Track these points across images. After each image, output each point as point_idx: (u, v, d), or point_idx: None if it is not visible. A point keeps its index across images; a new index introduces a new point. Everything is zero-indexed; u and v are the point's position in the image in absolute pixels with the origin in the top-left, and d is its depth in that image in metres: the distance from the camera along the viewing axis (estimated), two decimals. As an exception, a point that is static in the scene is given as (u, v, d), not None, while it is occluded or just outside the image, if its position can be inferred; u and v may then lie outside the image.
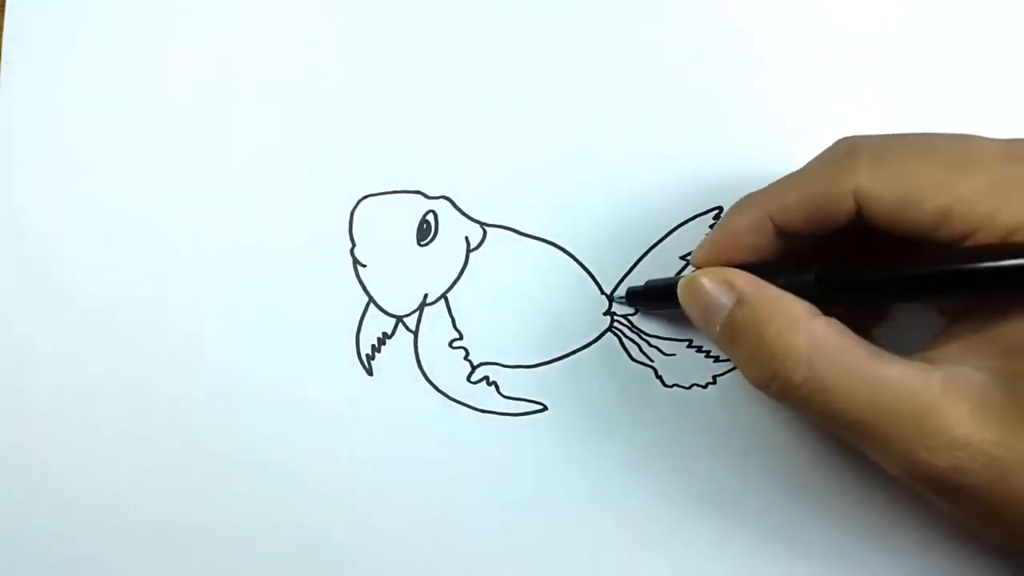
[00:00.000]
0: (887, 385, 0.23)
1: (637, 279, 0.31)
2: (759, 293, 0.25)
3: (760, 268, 0.25)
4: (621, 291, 0.31)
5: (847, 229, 0.24)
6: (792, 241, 0.26)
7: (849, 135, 0.25)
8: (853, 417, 0.23)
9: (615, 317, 0.31)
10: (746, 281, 0.25)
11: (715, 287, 0.25)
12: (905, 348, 0.24)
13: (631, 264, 0.31)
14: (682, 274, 0.30)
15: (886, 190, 0.23)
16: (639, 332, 0.31)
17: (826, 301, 0.24)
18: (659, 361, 0.31)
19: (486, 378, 0.31)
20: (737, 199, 0.27)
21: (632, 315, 0.31)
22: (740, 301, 0.25)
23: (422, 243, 0.32)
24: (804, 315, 0.24)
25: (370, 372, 0.32)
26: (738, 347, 0.25)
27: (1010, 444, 0.22)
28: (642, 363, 0.31)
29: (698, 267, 0.27)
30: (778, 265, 0.26)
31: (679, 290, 0.27)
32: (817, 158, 0.25)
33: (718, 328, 0.25)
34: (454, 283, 0.32)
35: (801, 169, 0.26)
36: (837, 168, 0.24)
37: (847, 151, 0.24)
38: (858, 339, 0.23)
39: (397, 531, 0.31)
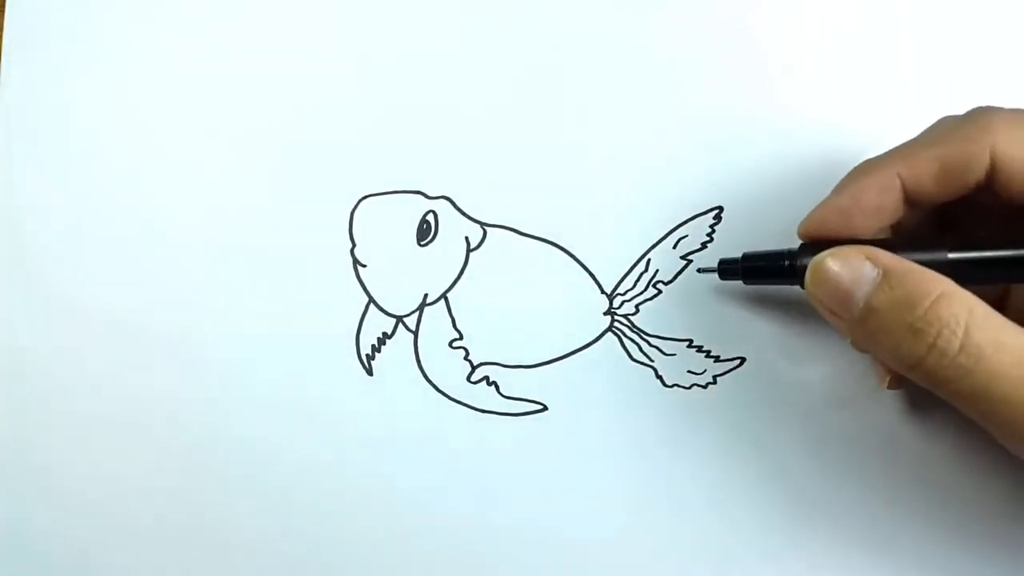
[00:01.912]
0: None
1: (636, 279, 0.31)
2: (905, 267, 0.23)
3: (883, 245, 0.24)
4: (712, 263, 0.29)
5: (971, 204, 0.24)
6: (915, 213, 0.25)
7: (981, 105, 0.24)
8: (1009, 384, 0.21)
9: (615, 317, 0.31)
10: (888, 256, 0.24)
11: (855, 264, 0.24)
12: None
13: (631, 264, 0.31)
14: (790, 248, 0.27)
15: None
16: (639, 332, 0.31)
17: (959, 280, 0.23)
18: (659, 361, 0.31)
19: (486, 378, 0.31)
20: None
21: (632, 315, 0.31)
22: (886, 275, 0.23)
23: (422, 243, 0.32)
24: (955, 286, 0.23)
25: (370, 372, 0.32)
26: (886, 326, 0.23)
27: None
28: (642, 363, 0.31)
29: (809, 237, 0.26)
30: (901, 243, 0.25)
31: (809, 273, 0.25)
32: (950, 118, 0.24)
33: (861, 306, 0.23)
34: (454, 283, 0.32)
35: (932, 128, 0.25)
36: (974, 126, 0.23)
37: (983, 113, 0.24)
38: (1000, 315, 0.22)
39: (397, 531, 0.31)
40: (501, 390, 0.31)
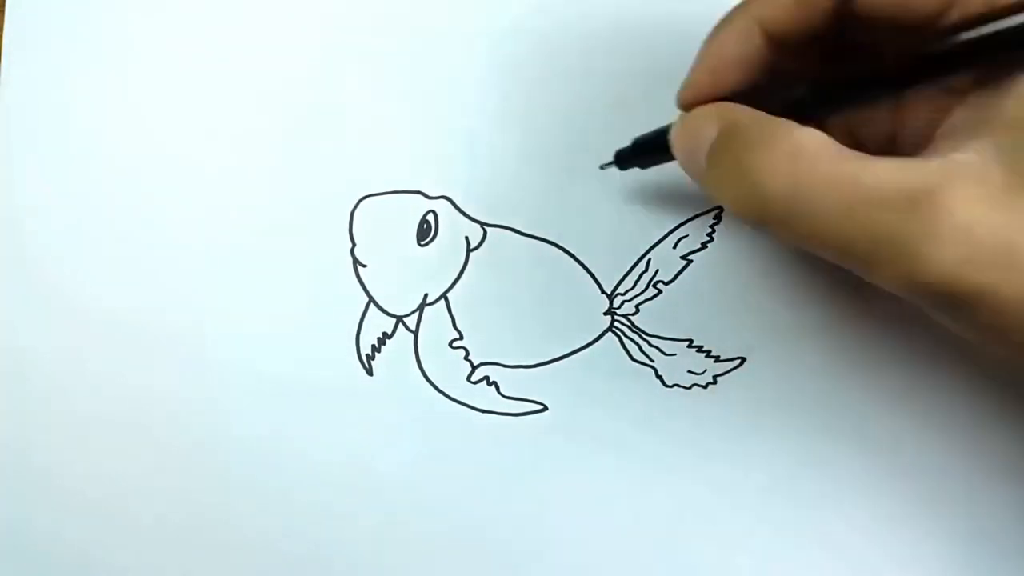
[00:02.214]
0: (880, 179, 0.20)
1: (636, 279, 0.31)
2: (741, 116, 0.23)
3: (752, 97, 0.24)
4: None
5: (837, 43, 0.23)
6: (782, 55, 0.25)
7: None
8: (842, 218, 0.21)
9: (615, 317, 0.31)
10: (729, 108, 0.24)
11: (700, 118, 0.24)
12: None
13: (631, 264, 0.31)
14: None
15: None
16: (639, 332, 0.31)
17: (826, 114, 0.24)
18: (659, 361, 0.31)
19: (486, 378, 0.31)
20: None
21: (632, 315, 0.31)
22: (725, 127, 0.23)
23: (422, 243, 0.32)
24: (785, 127, 0.22)
25: (370, 372, 0.32)
26: (721, 176, 0.23)
27: (1021, 224, 0.20)
28: (642, 363, 0.31)
29: (685, 102, 0.26)
30: (770, 91, 0.25)
31: (671, 138, 0.26)
32: None
33: (704, 163, 0.24)
34: (454, 283, 0.32)
35: None
36: None
37: None
38: (843, 147, 0.22)
39: (397, 531, 0.31)
40: (501, 390, 0.31)
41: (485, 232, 0.32)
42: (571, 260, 0.32)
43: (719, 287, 0.31)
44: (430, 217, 0.32)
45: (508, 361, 0.31)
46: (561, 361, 0.31)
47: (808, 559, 0.30)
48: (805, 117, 0.23)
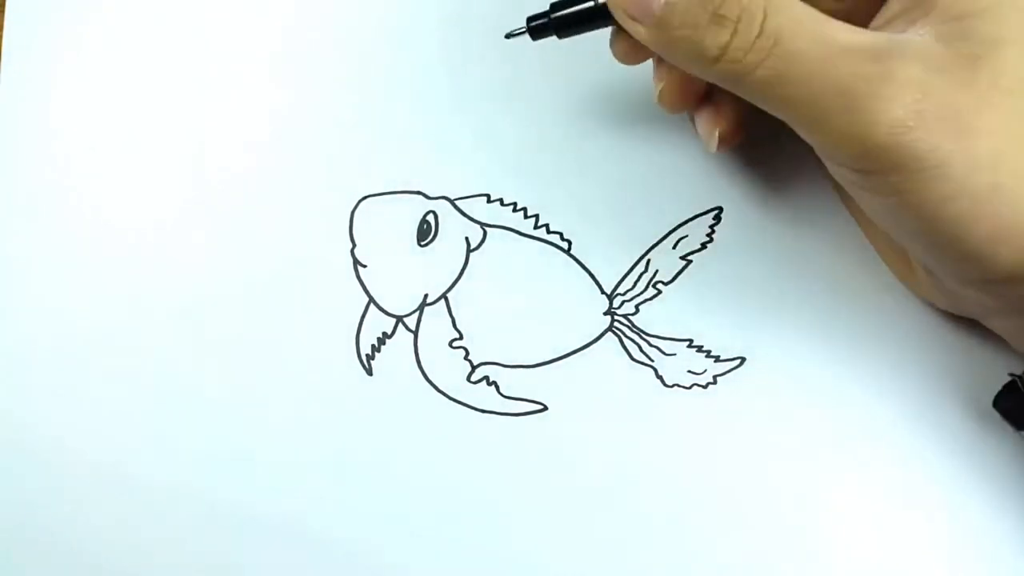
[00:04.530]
0: (851, 38, 0.22)
1: (636, 279, 0.31)
2: None
3: None
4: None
5: None
6: None
7: None
8: (818, 71, 0.22)
9: (615, 317, 0.31)
10: None
11: None
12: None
13: (631, 264, 0.31)
14: None
15: None
16: (639, 332, 0.31)
17: None
18: (659, 361, 0.31)
19: (486, 378, 0.31)
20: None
21: (632, 315, 0.31)
22: None
23: (422, 243, 0.32)
24: None
25: (370, 372, 0.32)
26: (687, 20, 0.23)
27: (961, 93, 0.21)
28: (642, 363, 0.31)
29: None
30: None
31: None
32: None
33: (656, 11, 0.23)
34: (454, 283, 0.32)
35: None
36: None
37: None
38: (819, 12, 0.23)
39: (396, 531, 0.31)
40: (501, 390, 0.31)
41: (485, 232, 0.32)
42: (571, 260, 0.32)
43: (719, 287, 0.31)
44: (430, 217, 0.32)
45: (508, 361, 0.31)
46: (561, 361, 0.31)
47: (808, 559, 0.30)
48: None
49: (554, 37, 0.27)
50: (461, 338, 0.32)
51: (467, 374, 0.31)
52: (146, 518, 0.31)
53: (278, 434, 0.31)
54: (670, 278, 0.31)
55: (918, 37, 0.23)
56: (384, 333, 0.32)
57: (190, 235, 0.33)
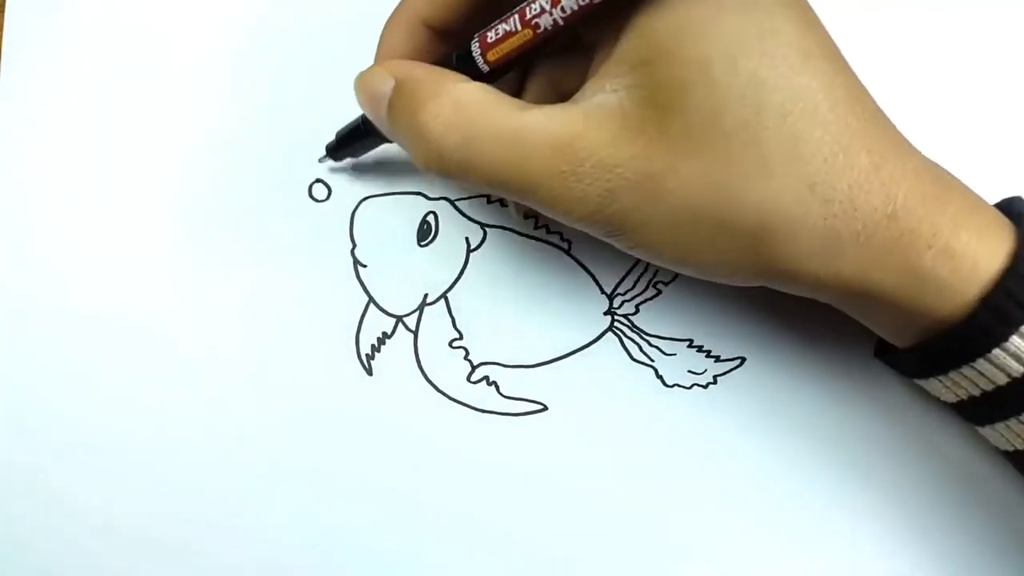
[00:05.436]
0: (532, 127, 0.23)
1: (636, 279, 0.31)
2: (411, 74, 0.25)
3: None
4: (323, 154, 0.31)
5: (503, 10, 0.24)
6: (454, 37, 0.26)
7: None
8: (506, 167, 0.23)
9: (615, 317, 0.31)
10: (403, 64, 0.25)
11: (374, 79, 0.25)
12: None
13: (631, 264, 0.31)
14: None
15: None
16: (639, 332, 0.31)
17: (497, 71, 0.25)
18: (659, 361, 0.31)
19: (486, 378, 0.31)
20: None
21: (632, 315, 0.31)
22: (396, 85, 0.25)
23: (422, 243, 0.32)
24: (451, 81, 0.24)
25: (370, 372, 0.32)
26: (401, 133, 0.25)
27: (653, 154, 0.22)
28: (642, 363, 0.31)
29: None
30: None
31: (356, 90, 0.26)
32: None
33: (385, 121, 0.25)
34: (454, 283, 0.32)
35: None
36: None
37: None
38: (505, 97, 0.24)
39: (396, 531, 0.31)
40: (501, 390, 0.31)
41: (485, 232, 0.32)
42: (571, 260, 0.32)
43: (719, 287, 0.31)
44: (430, 218, 0.32)
45: (508, 361, 0.31)
46: (561, 361, 0.31)
47: (808, 559, 0.30)
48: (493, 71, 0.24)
49: None
50: (461, 338, 0.32)
51: (467, 374, 0.31)
52: (146, 518, 0.31)
53: (278, 434, 0.31)
54: (670, 278, 0.31)
55: (613, 96, 0.23)
56: (384, 333, 0.32)
57: (190, 235, 0.32)
